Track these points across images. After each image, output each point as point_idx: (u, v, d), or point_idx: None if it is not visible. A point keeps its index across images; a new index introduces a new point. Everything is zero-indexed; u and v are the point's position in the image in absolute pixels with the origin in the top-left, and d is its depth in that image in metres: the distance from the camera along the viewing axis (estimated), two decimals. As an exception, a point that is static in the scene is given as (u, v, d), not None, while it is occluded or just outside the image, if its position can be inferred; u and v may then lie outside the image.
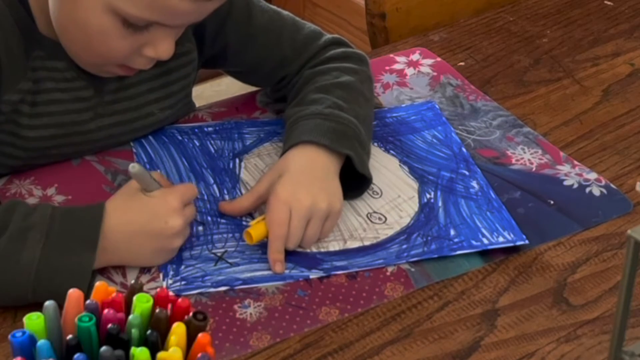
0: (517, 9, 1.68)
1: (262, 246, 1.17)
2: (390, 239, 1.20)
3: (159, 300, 0.92)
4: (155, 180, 1.15)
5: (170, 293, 0.93)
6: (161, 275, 1.14)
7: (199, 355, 0.88)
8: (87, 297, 0.94)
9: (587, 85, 1.50)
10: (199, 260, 1.16)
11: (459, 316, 1.12)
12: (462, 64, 1.53)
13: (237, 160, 1.31)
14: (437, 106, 1.43)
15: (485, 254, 1.19)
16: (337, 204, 1.19)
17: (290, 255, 1.17)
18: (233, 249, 1.18)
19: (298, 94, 1.33)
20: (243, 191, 1.26)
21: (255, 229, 1.17)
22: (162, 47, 1.17)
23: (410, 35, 1.63)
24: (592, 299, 1.14)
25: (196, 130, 1.35)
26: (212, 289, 1.13)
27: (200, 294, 1.12)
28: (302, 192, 1.17)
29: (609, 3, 1.70)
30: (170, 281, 1.13)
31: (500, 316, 1.12)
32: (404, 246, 1.19)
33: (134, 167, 1.11)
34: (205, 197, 1.24)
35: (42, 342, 0.87)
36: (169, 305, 0.93)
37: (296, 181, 1.19)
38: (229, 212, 1.22)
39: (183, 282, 1.13)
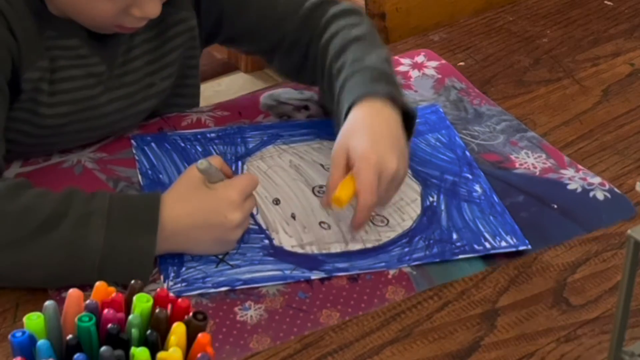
0: (517, 9, 1.68)
1: (264, 248, 1.17)
2: (392, 242, 1.20)
3: (159, 300, 0.92)
4: (218, 170, 1.16)
5: (170, 294, 0.94)
6: (162, 277, 1.14)
7: (199, 355, 0.88)
8: (146, 282, 1.01)
9: (587, 85, 1.50)
10: (200, 262, 1.16)
11: (459, 316, 1.12)
12: (462, 64, 1.53)
13: (240, 163, 1.30)
14: (441, 109, 1.42)
15: (487, 257, 1.18)
16: (407, 168, 1.21)
17: (292, 257, 1.17)
18: (235, 251, 1.17)
19: (322, 70, 1.32)
20: None
21: (345, 191, 1.13)
22: (148, 7, 1.20)
23: (410, 35, 1.63)
24: (592, 299, 1.14)
25: (199, 136, 1.35)
26: (212, 290, 1.12)
27: (201, 295, 1.12)
28: (389, 157, 1.15)
29: (609, 3, 1.70)
30: (170, 283, 1.12)
31: (500, 316, 1.12)
32: (406, 249, 1.18)
33: (202, 164, 1.13)
34: None
35: (42, 342, 0.87)
36: (169, 305, 0.93)
37: (380, 143, 1.16)
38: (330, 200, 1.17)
39: (184, 284, 1.13)
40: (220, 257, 1.16)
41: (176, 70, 1.36)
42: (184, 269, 1.14)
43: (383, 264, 1.17)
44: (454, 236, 1.20)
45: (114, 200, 1.12)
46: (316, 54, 1.35)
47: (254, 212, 1.22)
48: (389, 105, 1.21)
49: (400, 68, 1.50)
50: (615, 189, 1.28)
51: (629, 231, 0.83)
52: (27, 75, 1.22)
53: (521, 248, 1.19)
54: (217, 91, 2.75)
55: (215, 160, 1.17)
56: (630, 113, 1.44)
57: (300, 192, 1.26)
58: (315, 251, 1.18)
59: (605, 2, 1.70)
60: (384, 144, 1.17)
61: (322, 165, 1.29)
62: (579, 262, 1.19)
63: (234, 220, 1.14)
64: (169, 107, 1.39)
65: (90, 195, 1.13)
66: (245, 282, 1.13)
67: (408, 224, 1.22)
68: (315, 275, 1.15)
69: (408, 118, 1.24)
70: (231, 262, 1.16)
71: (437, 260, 1.17)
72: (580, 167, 1.32)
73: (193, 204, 1.14)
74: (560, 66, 1.54)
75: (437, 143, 1.35)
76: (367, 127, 1.18)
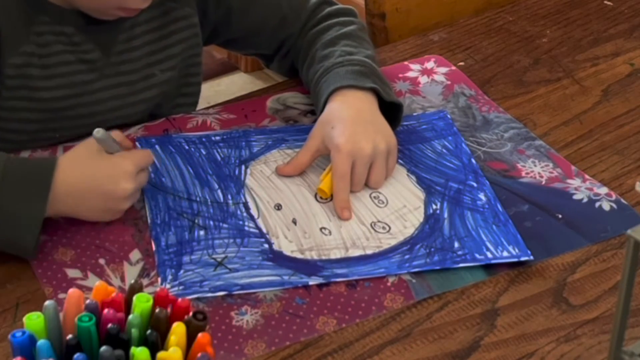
0: (517, 9, 1.68)
1: (263, 252, 1.17)
2: (393, 249, 1.19)
3: (159, 300, 0.93)
4: (116, 142, 1.19)
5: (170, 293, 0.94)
6: (159, 280, 1.13)
7: (199, 355, 0.88)
8: (35, 249, 1.10)
9: (586, 85, 1.50)
10: (199, 265, 1.15)
11: (459, 316, 1.12)
12: (462, 64, 1.53)
13: (243, 167, 1.30)
14: (448, 115, 1.41)
15: (488, 266, 1.18)
16: (392, 139, 1.28)
17: (291, 262, 1.16)
18: (233, 255, 1.17)
19: (307, 55, 1.40)
20: (247, 197, 1.25)
21: (326, 184, 1.24)
22: None
23: (410, 35, 1.63)
24: (591, 299, 1.14)
25: (204, 139, 1.34)
26: (209, 294, 1.12)
27: (198, 299, 1.11)
28: (362, 140, 1.24)
29: (608, 3, 1.70)
30: (168, 286, 1.12)
31: (500, 316, 1.12)
32: (407, 256, 1.18)
33: (98, 132, 1.17)
34: (209, 202, 1.24)
35: (42, 342, 0.87)
36: (169, 305, 0.93)
37: (352, 130, 1.25)
38: (289, 172, 1.28)
39: (181, 287, 1.12)
40: (218, 260, 1.16)
41: (178, 63, 1.38)
42: (181, 272, 1.14)
43: (382, 270, 1.16)
44: (456, 245, 1.20)
45: (10, 161, 1.14)
46: (302, 43, 1.41)
47: (255, 215, 1.22)
48: (367, 95, 1.30)
49: (410, 74, 1.49)
50: (622, 200, 1.27)
51: (629, 231, 0.83)
52: (10, 60, 1.24)
53: (523, 259, 1.18)
54: (217, 91, 2.75)
55: (116, 134, 1.21)
56: (630, 113, 1.44)
57: (303, 197, 1.26)
58: (315, 257, 1.18)
59: (605, 2, 1.70)
60: (355, 131, 1.25)
61: (324, 170, 1.29)
62: (578, 262, 1.19)
63: (125, 190, 1.16)
64: (174, 107, 1.41)
65: None
66: (243, 287, 1.13)
67: (410, 231, 1.22)
68: (313, 281, 1.14)
69: (395, 110, 1.33)
70: (230, 266, 1.15)
71: (438, 267, 1.17)
72: (587, 177, 1.31)
73: (88, 169, 1.16)
74: (560, 66, 1.54)
75: (444, 150, 1.35)
76: (342, 118, 1.27)
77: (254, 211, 1.23)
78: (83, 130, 1.33)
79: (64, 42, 1.27)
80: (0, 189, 1.11)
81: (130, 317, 0.90)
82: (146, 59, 1.34)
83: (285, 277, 1.14)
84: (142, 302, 0.91)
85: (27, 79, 1.26)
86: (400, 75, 1.49)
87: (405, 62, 1.52)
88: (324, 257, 1.18)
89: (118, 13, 1.25)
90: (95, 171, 1.16)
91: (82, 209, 1.17)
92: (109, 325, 0.89)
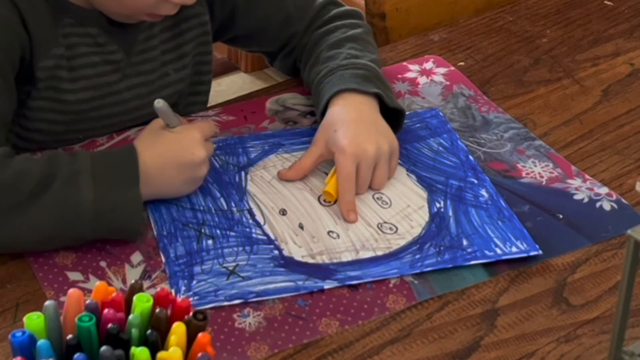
0: (517, 9, 1.68)
1: (274, 259, 1.17)
2: (403, 249, 1.19)
3: (159, 300, 0.93)
4: (177, 117, 1.23)
5: (173, 293, 0.94)
6: (173, 291, 1.12)
7: (199, 355, 0.88)
8: (138, 233, 1.16)
9: (587, 85, 1.50)
10: (211, 275, 1.15)
11: (459, 316, 1.12)
12: (462, 64, 1.53)
13: (243, 174, 1.29)
14: (441, 113, 1.41)
15: (490, 266, 1.17)
16: (394, 141, 1.29)
17: (303, 267, 1.16)
18: (244, 263, 1.16)
19: (310, 55, 1.40)
20: (251, 203, 1.25)
21: (332, 187, 1.24)
22: None
23: (410, 35, 1.63)
24: (592, 298, 1.14)
25: None
26: (225, 303, 1.11)
27: None
28: (366, 142, 1.25)
29: (609, 3, 1.70)
30: (182, 297, 1.11)
31: (500, 316, 1.12)
32: (417, 256, 1.18)
33: (159, 102, 1.20)
34: (213, 211, 1.23)
35: (42, 342, 0.87)
36: (169, 305, 0.93)
37: (355, 132, 1.26)
38: (292, 177, 1.28)
39: (196, 297, 1.12)
40: (230, 269, 1.16)
41: (190, 62, 1.39)
42: (194, 282, 1.14)
43: (395, 270, 1.16)
44: (464, 242, 1.20)
45: (95, 157, 1.17)
46: (307, 42, 1.42)
47: (261, 222, 1.22)
48: (369, 99, 1.31)
49: (409, 74, 1.49)
50: (623, 200, 1.27)
51: (629, 231, 0.83)
52: (42, 63, 1.25)
53: (532, 253, 1.18)
54: (217, 91, 2.73)
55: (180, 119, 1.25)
56: (630, 113, 1.44)
57: (306, 201, 1.26)
58: (326, 260, 1.17)
59: (605, 2, 1.70)
60: (358, 133, 1.26)
61: (326, 174, 1.29)
62: (578, 262, 1.19)
63: (200, 156, 1.20)
64: (187, 105, 1.42)
65: (72, 155, 1.18)
66: (258, 294, 1.12)
67: (417, 231, 1.22)
68: (328, 285, 1.14)
69: (397, 115, 1.33)
70: (242, 274, 1.15)
71: (450, 266, 1.17)
72: (587, 177, 1.31)
73: (160, 147, 1.20)
74: (560, 66, 1.54)
75: (440, 148, 1.35)
76: (344, 121, 1.28)
77: (259, 218, 1.23)
78: (106, 131, 1.35)
79: (89, 44, 1.29)
80: (95, 184, 1.14)
81: (131, 317, 0.90)
82: (162, 57, 1.35)
83: (300, 283, 1.14)
84: (142, 302, 0.91)
85: (55, 81, 1.27)
86: (399, 75, 1.49)
87: (404, 63, 1.52)
88: (335, 261, 1.17)
89: (145, 18, 1.27)
90: (167, 146, 1.20)
91: (166, 187, 1.21)
92: (109, 325, 0.89)
